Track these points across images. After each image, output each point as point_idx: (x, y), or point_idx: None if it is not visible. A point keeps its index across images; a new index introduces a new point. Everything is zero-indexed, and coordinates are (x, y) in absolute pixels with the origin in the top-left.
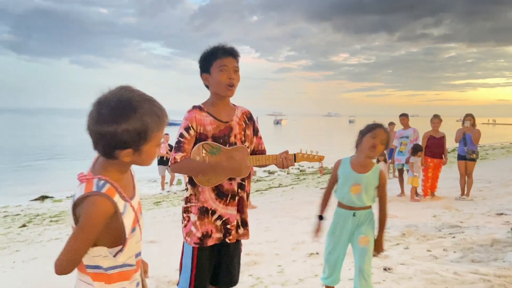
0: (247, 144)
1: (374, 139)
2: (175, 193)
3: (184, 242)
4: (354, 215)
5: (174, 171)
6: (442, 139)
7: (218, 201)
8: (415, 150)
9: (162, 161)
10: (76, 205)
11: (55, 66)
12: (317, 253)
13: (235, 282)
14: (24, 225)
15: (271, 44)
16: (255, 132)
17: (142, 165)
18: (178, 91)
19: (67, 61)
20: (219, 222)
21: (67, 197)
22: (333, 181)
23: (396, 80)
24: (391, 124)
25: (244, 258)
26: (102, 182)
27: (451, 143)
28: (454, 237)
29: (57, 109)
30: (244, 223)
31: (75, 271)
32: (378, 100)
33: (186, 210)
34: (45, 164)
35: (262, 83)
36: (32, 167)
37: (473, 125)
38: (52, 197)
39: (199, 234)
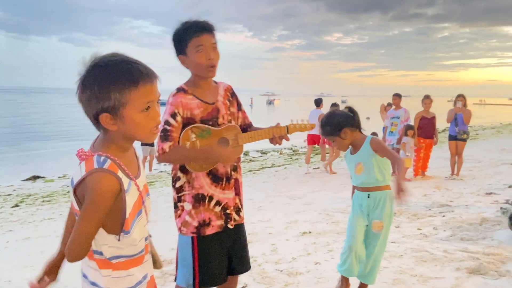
0: (233, 122)
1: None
2: (168, 173)
3: (179, 234)
4: (368, 196)
5: (162, 162)
6: (433, 119)
7: (214, 186)
8: (407, 130)
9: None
10: (77, 187)
11: (45, 44)
12: (310, 232)
13: (250, 266)
14: (16, 205)
15: (264, 23)
16: (239, 106)
17: (137, 137)
18: (170, 70)
19: (57, 39)
20: (218, 208)
21: (59, 177)
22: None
23: (389, 60)
24: (389, 105)
25: None
26: (102, 158)
27: (442, 123)
28: (444, 216)
29: (47, 88)
30: (242, 206)
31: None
32: (371, 80)
33: (179, 200)
34: (36, 144)
35: (254, 63)
36: (23, 147)
37: (465, 105)
38: (43, 177)
39: (195, 223)
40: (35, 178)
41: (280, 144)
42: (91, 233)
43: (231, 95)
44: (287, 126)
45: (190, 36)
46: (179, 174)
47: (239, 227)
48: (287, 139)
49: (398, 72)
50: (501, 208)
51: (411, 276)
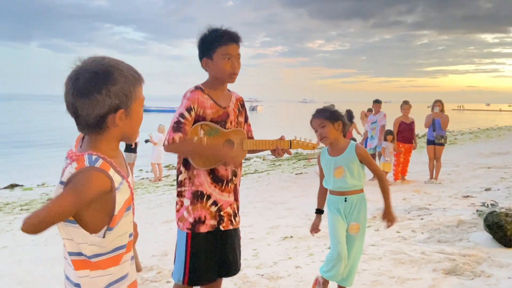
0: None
1: (316, 132)
2: (150, 180)
3: (177, 228)
4: (345, 200)
5: (170, 151)
6: (412, 124)
7: (214, 186)
8: (386, 135)
9: (129, 148)
10: (67, 185)
11: (24, 50)
12: (291, 237)
13: (239, 269)
14: None
15: (247, 30)
16: (246, 119)
17: (132, 134)
18: (152, 77)
19: (36, 45)
20: (214, 208)
21: (38, 185)
22: (322, 174)
23: (370, 67)
24: (369, 110)
25: None
26: (94, 157)
27: (421, 129)
28: (422, 218)
29: (27, 95)
30: (238, 211)
31: (65, 253)
32: (353, 87)
33: (179, 194)
34: (14, 152)
35: None
36: (0, 155)
37: (442, 110)
38: (22, 185)
39: (191, 220)
40: (13, 186)
41: (281, 156)
42: (57, 216)
43: (241, 106)
44: (290, 140)
45: (220, 43)
46: (182, 168)
47: (235, 231)
48: (290, 153)
49: (379, 78)
50: (477, 210)
51: (389, 277)
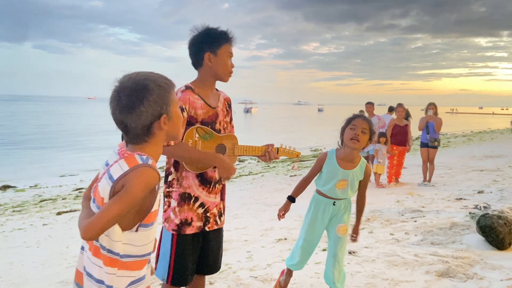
0: (227, 131)
1: (353, 130)
2: None
3: (162, 227)
4: (334, 204)
5: (163, 154)
6: (406, 127)
7: (202, 188)
8: (379, 137)
9: None
10: (119, 181)
11: (18, 51)
12: (285, 239)
13: (219, 267)
14: None
15: (242, 32)
16: (230, 119)
17: (176, 133)
18: None
19: (30, 45)
20: (200, 210)
21: (30, 186)
22: (317, 171)
23: (364, 70)
24: (361, 112)
25: None
26: (144, 157)
27: (415, 131)
28: (415, 221)
29: (21, 96)
30: (224, 211)
31: (88, 253)
32: (347, 89)
33: (167, 195)
34: (6, 153)
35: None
36: None
37: (435, 113)
38: (14, 186)
39: (177, 221)
40: (5, 187)
41: (271, 160)
42: (117, 217)
43: (228, 106)
44: (277, 148)
45: (226, 41)
46: (172, 169)
47: (219, 231)
48: (277, 158)
49: (373, 81)
50: (470, 213)
51: (382, 280)
